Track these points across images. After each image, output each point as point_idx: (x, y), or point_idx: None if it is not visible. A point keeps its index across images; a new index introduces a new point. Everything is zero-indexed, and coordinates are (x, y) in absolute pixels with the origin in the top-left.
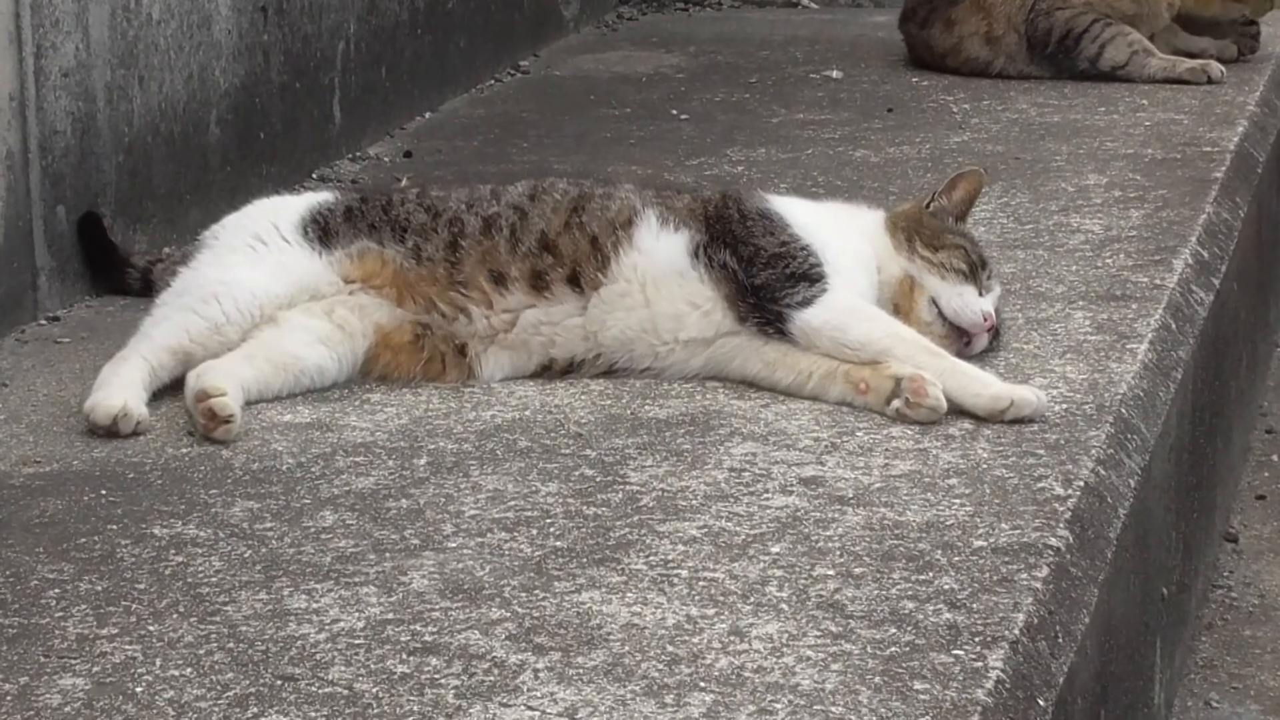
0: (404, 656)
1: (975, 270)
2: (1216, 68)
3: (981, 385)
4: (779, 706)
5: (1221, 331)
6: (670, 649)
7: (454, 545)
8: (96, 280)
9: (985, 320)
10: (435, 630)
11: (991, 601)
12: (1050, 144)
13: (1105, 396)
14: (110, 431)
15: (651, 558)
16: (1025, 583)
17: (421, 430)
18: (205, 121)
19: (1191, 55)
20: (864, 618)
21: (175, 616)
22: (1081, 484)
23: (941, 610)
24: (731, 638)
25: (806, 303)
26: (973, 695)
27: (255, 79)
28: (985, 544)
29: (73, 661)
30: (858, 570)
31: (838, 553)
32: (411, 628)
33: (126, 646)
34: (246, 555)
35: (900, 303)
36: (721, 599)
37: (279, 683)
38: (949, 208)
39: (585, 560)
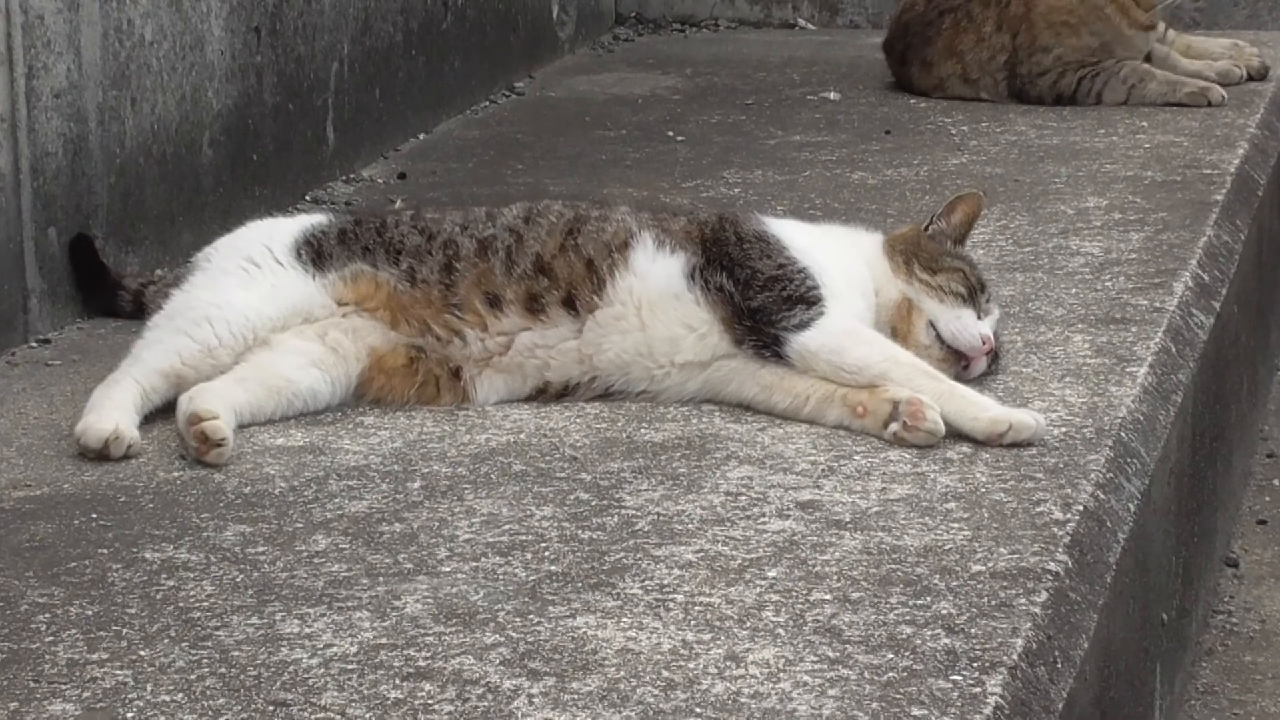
0: (397, 682)
1: (974, 293)
2: (1217, 92)
3: (979, 409)
4: None
5: (1222, 355)
6: (666, 674)
7: (448, 569)
8: (88, 302)
9: (984, 343)
10: (429, 655)
11: (990, 626)
12: (1049, 166)
13: (1105, 420)
14: (101, 454)
15: (647, 582)
16: (1024, 608)
17: (415, 454)
18: (198, 143)
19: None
20: (861, 643)
21: (166, 641)
22: (1081, 508)
23: (939, 635)
24: (728, 663)
25: (803, 326)
26: None
27: (248, 100)
28: (984, 568)
29: (63, 687)
30: (855, 595)
31: (835, 577)
32: (405, 653)
33: (117, 672)
34: (238, 579)
35: (898, 326)
36: (718, 624)
37: (271, 708)
38: (947, 230)
39: (580, 585)
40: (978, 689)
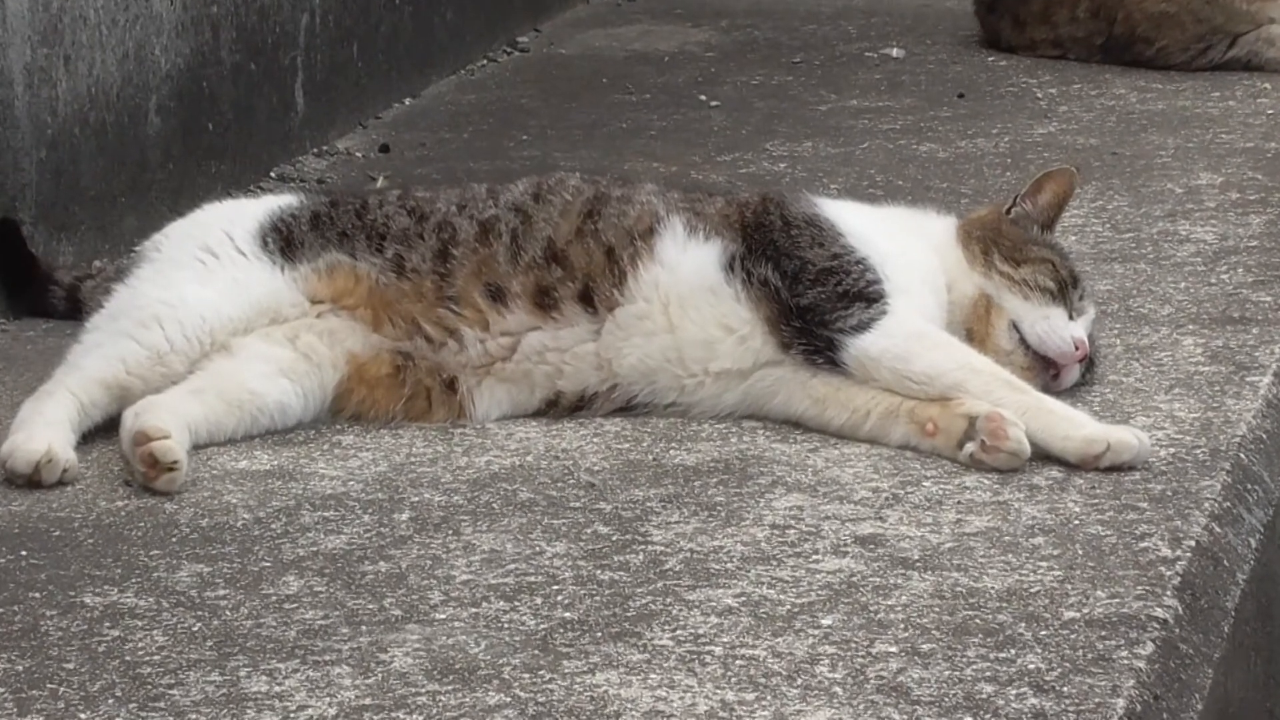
0: None
1: (1065, 289)
2: None
3: (1072, 425)
4: None
5: None
6: None
7: (443, 617)
8: (13, 300)
9: (1076, 348)
10: (422, 718)
11: (1085, 684)
12: (1154, 136)
13: (1220, 439)
14: (32, 481)
15: (679, 632)
16: (1125, 662)
17: (403, 479)
18: (143, 109)
19: None
20: (933, 703)
21: (111, 701)
22: (1192, 544)
23: (1026, 695)
24: None
25: (863, 327)
26: None
27: (203, 59)
28: (1077, 615)
29: None
30: (925, 646)
31: (901, 626)
32: (393, 715)
33: None
34: (195, 629)
35: (975, 327)
36: (763, 681)
37: None
38: (1034, 213)
39: (600, 635)
40: None
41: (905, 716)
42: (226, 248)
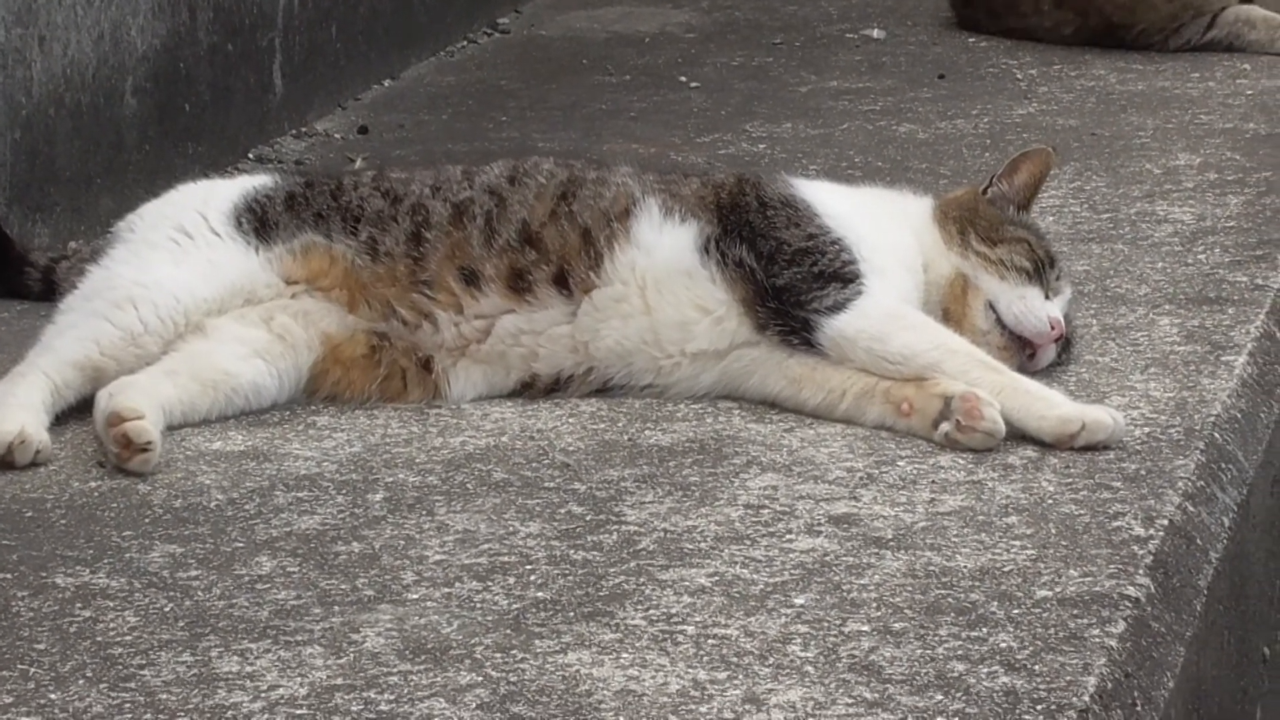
0: None
1: (1041, 269)
2: None
3: (1047, 405)
4: None
5: None
6: None
7: (415, 597)
8: None
9: (1052, 328)
10: (393, 698)
11: (1057, 663)
12: (1132, 117)
13: (1195, 419)
14: (4, 462)
15: (652, 611)
16: (1097, 640)
17: (377, 460)
18: (119, 90)
19: None
20: (904, 682)
21: (82, 682)
22: (1166, 523)
23: (997, 673)
24: (747, 706)
25: (838, 307)
26: None
27: (179, 39)
28: (1050, 594)
29: None
30: (897, 625)
31: (874, 605)
32: (364, 695)
33: (23, 718)
34: (167, 609)
35: (951, 307)
36: (735, 660)
37: None
38: (1010, 194)
39: (572, 614)
40: None
41: (877, 695)
42: (201, 228)
